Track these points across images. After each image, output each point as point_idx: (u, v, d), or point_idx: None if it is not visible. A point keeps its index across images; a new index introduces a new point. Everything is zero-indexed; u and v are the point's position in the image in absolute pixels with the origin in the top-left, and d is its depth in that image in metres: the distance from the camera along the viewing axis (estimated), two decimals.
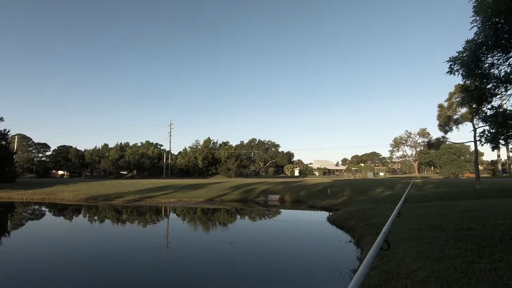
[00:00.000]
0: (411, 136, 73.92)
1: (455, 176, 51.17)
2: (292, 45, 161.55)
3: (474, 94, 6.84)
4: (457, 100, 20.34)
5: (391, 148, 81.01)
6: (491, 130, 6.78)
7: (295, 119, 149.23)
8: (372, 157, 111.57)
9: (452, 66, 6.41)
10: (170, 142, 66.36)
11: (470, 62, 6.09)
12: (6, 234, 11.32)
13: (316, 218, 13.76)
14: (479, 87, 6.83)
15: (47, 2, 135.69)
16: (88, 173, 74.74)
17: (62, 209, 18.57)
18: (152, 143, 77.65)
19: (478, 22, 5.95)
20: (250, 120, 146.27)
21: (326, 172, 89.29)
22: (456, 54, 6.35)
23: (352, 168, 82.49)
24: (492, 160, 60.93)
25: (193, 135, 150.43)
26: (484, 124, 7.65)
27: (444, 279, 3.68)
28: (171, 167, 65.58)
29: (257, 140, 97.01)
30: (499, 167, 55.03)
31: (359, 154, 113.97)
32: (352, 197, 18.67)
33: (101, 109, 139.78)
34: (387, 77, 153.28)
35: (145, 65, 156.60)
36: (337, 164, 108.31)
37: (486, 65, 6.38)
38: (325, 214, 14.49)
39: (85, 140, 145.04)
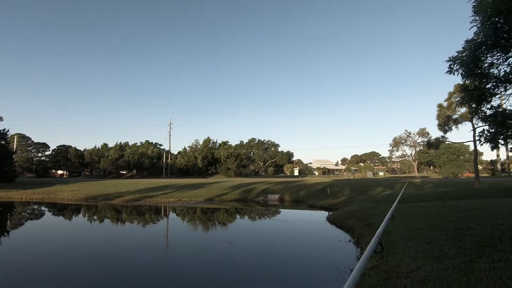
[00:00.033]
0: (411, 135, 74.07)
1: (454, 175, 51.25)
2: (292, 45, 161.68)
3: (473, 93, 6.85)
4: (457, 99, 20.32)
5: (391, 148, 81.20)
6: (491, 130, 6.79)
7: (294, 119, 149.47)
8: (372, 157, 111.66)
9: (452, 66, 6.42)
10: (169, 141, 66.40)
11: (469, 62, 6.10)
12: (6, 233, 11.30)
13: (315, 218, 13.77)
14: (479, 86, 6.84)
15: (46, 1, 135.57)
16: (87, 173, 74.69)
17: (61, 209, 18.55)
18: (152, 142, 77.67)
19: (477, 22, 5.95)
20: (250, 120, 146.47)
21: (325, 171, 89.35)
22: (456, 54, 6.35)
23: (352, 168, 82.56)
24: (491, 160, 61.04)
25: (192, 134, 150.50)
26: (484, 124, 7.66)
27: (444, 279, 3.69)
28: (170, 167, 65.56)
29: (257, 139, 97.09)
30: (499, 166, 55.12)
31: (359, 154, 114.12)
32: (351, 196, 18.68)
33: (100, 109, 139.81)
34: (386, 77, 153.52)
35: (145, 65, 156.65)
36: (336, 164, 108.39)
37: (486, 64, 6.39)
38: (325, 213, 14.50)
39: (85, 140, 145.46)
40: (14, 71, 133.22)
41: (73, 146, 74.50)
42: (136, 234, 10.91)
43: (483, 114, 7.19)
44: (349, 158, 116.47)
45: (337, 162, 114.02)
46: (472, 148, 35.14)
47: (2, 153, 33.55)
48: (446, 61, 6.46)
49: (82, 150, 74.01)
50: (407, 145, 76.68)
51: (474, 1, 5.94)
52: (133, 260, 7.29)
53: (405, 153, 79.70)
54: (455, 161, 52.85)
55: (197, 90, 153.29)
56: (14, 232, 11.68)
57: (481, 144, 7.09)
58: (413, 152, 75.78)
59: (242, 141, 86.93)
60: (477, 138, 7.30)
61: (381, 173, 74.63)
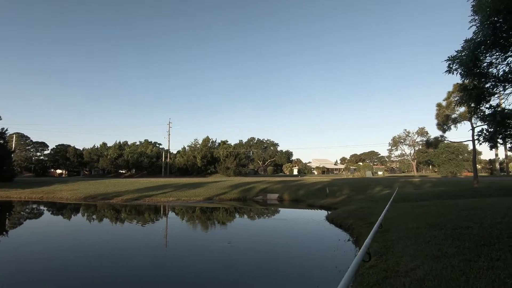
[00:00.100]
0: (410, 135, 74.15)
1: (453, 175, 51.37)
2: (292, 44, 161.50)
3: (472, 93, 6.86)
4: (456, 99, 20.31)
5: (390, 147, 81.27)
6: (489, 129, 6.80)
7: (294, 118, 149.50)
8: (371, 156, 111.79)
9: (451, 65, 6.42)
10: (168, 141, 66.38)
11: (468, 61, 6.11)
12: (5, 233, 11.28)
13: (315, 217, 13.79)
14: (478, 86, 6.84)
15: (46, 0, 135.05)
16: (86, 172, 74.58)
17: (60, 208, 18.53)
18: (151, 142, 77.52)
19: (476, 21, 5.95)
20: (249, 119, 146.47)
21: (324, 171, 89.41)
22: (455, 53, 6.36)
23: (351, 167, 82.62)
24: (490, 159, 61.21)
25: (192, 134, 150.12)
26: (482, 123, 7.66)
27: (442, 278, 3.70)
28: (170, 166, 65.50)
29: (256, 139, 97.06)
30: (497, 166, 55.25)
31: (358, 153, 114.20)
32: (350, 196, 18.71)
33: (100, 108, 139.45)
34: (386, 76, 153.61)
35: (144, 64, 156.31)
36: (336, 163, 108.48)
37: (485, 64, 6.39)
38: (324, 213, 14.51)
39: (84, 139, 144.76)
40: (13, 70, 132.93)
41: (72, 145, 74.49)
42: (135, 234, 10.91)
43: (482, 113, 7.20)
44: (348, 158, 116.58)
45: (336, 161, 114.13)
46: (471, 147, 35.20)
47: (0, 152, 33.49)
48: (445, 60, 6.47)
49: (81, 149, 73.86)
50: (406, 145, 76.81)
51: (473, 1, 5.94)
52: (132, 260, 7.29)
53: (404, 153, 79.86)
54: (454, 160, 52.98)
55: (197, 89, 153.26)
56: (13, 231, 11.66)
57: (480, 144, 7.11)
58: (412, 152, 75.91)
59: (241, 140, 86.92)
60: (476, 137, 7.32)
61: (380, 173, 74.75)
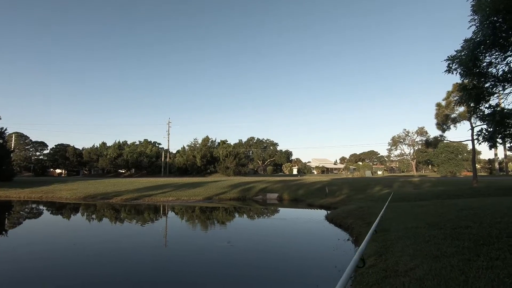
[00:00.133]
0: (409, 134, 74.06)
1: (452, 174, 51.42)
2: (291, 44, 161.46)
3: (472, 93, 6.86)
4: (455, 99, 20.29)
5: (389, 147, 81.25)
6: (489, 129, 6.81)
7: (293, 118, 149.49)
8: (370, 156, 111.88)
9: (450, 65, 6.43)
10: (168, 140, 66.43)
11: (468, 61, 6.11)
12: (4, 233, 11.27)
13: (314, 217, 13.80)
14: (477, 86, 6.84)
15: None
16: (86, 172, 74.51)
17: (60, 208, 18.52)
18: (151, 141, 77.46)
19: (476, 21, 5.96)
20: (249, 119, 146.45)
21: (324, 170, 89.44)
22: (455, 53, 6.36)
23: (350, 167, 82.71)
24: (489, 159, 61.31)
25: (191, 133, 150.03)
26: (482, 123, 7.66)
27: (442, 277, 3.70)
28: (169, 166, 65.47)
29: (256, 138, 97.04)
30: (496, 165, 55.29)
31: (358, 153, 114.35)
32: (350, 195, 18.72)
33: (99, 107, 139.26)
34: (385, 76, 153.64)
35: (144, 64, 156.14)
36: (335, 163, 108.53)
37: (484, 64, 6.40)
38: (323, 212, 14.52)
39: (83, 139, 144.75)
40: (12, 69, 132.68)
41: (72, 145, 74.39)
42: (134, 233, 10.90)
43: (481, 113, 7.20)
44: (347, 157, 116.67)
45: (336, 161, 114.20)
46: (470, 147, 35.24)
47: (0, 152, 33.42)
48: (444, 60, 6.48)
49: (81, 149, 73.80)
50: (405, 144, 76.76)
51: (473, 0, 5.94)
52: (132, 260, 7.29)
53: (403, 152, 79.80)
54: (453, 160, 53.03)
55: (196, 89, 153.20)
56: (13, 231, 11.65)
57: (479, 143, 7.12)
58: (412, 151, 75.94)
59: (241, 140, 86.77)
60: (475, 137, 7.34)
61: (379, 172, 74.81)
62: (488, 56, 6.30)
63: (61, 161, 71.92)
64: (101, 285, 5.65)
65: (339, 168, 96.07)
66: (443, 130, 22.83)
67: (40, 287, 5.62)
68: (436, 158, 55.86)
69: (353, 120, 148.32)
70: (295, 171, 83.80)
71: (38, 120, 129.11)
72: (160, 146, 76.69)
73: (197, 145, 66.16)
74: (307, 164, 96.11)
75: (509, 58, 6.21)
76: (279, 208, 17.95)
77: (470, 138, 20.11)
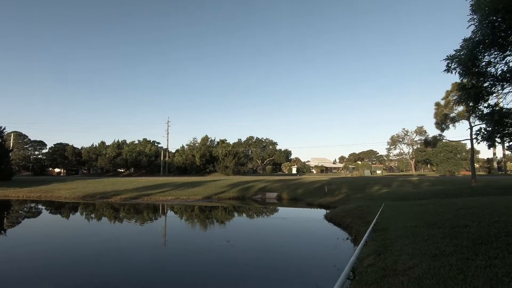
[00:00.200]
0: (408, 134, 74.21)
1: (451, 174, 51.51)
2: (291, 43, 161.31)
3: (471, 92, 6.87)
4: (454, 98, 20.39)
5: (388, 146, 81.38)
6: (488, 128, 6.82)
7: (293, 117, 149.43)
8: (369, 155, 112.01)
9: (450, 65, 6.43)
10: (167, 139, 66.44)
11: (467, 61, 6.12)
12: (3, 232, 11.25)
13: (313, 216, 13.82)
14: (476, 85, 6.85)
15: None
16: (85, 171, 74.39)
17: (59, 207, 18.49)
18: (150, 140, 77.35)
19: (475, 20, 5.96)
20: (248, 118, 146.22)
21: (323, 170, 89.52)
22: (454, 53, 6.37)
23: (350, 166, 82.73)
24: (488, 158, 61.40)
25: (190, 132, 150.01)
26: (481, 122, 7.67)
27: (440, 276, 3.71)
28: (168, 165, 65.43)
29: (255, 138, 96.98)
30: (495, 165, 55.40)
31: (357, 152, 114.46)
32: (349, 194, 18.75)
33: (98, 107, 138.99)
34: (385, 75, 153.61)
35: (143, 62, 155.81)
36: (334, 162, 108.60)
37: (483, 63, 6.41)
38: (323, 211, 14.54)
39: (82, 138, 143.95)
40: (12, 68, 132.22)
41: (71, 144, 74.19)
42: (134, 233, 10.89)
43: (480, 112, 7.21)
44: (347, 156, 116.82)
45: (335, 160, 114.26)
46: (469, 146, 35.34)
47: None
48: (444, 59, 6.48)
49: (80, 148, 73.67)
50: (404, 143, 76.90)
51: (472, 0, 5.95)
52: (131, 259, 7.29)
53: (402, 151, 79.94)
54: (452, 159, 53.11)
55: (196, 87, 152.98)
56: (12, 230, 11.63)
57: (478, 143, 7.12)
58: (411, 150, 76.08)
59: (240, 139, 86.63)
60: (474, 136, 7.33)
61: (378, 171, 74.87)
62: (487, 55, 6.31)
63: (60, 160, 71.76)
64: (100, 285, 5.64)
65: (338, 167, 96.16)
66: (442, 130, 22.86)
67: (39, 287, 5.61)
68: (435, 157, 55.94)
69: (353, 119, 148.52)
70: (294, 170, 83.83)
71: (37, 119, 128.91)
72: (159, 145, 76.64)
73: (196, 144, 66.08)
74: (306, 163, 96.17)
75: (508, 57, 6.22)
76: (278, 207, 17.96)
77: (469, 138, 20.16)
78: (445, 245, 5.07)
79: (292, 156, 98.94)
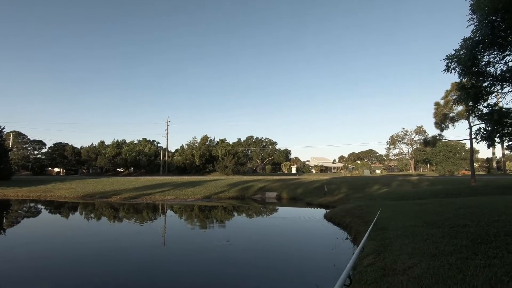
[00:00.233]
0: (408, 133, 74.23)
1: (450, 173, 51.58)
2: (291, 42, 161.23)
3: (470, 92, 6.88)
4: (454, 98, 20.41)
5: (388, 146, 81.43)
6: (487, 128, 6.83)
7: (292, 117, 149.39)
8: (369, 155, 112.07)
9: (449, 64, 6.44)
10: (167, 139, 66.38)
11: (466, 60, 6.12)
12: (2, 232, 11.24)
13: (313, 215, 13.83)
14: (476, 85, 6.86)
15: None
16: (84, 171, 74.31)
17: (58, 207, 18.48)
18: (149, 140, 77.28)
19: (475, 20, 5.97)
20: (248, 118, 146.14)
21: (323, 169, 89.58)
22: (453, 52, 6.37)
23: (349, 166, 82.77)
24: (487, 158, 61.47)
25: (190, 132, 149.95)
26: (480, 122, 7.69)
27: (440, 275, 3.72)
28: (168, 165, 65.39)
29: (254, 137, 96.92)
30: (494, 164, 55.48)
31: (356, 152, 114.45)
32: (348, 194, 18.77)
33: (98, 106, 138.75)
34: (385, 75, 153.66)
35: (143, 62, 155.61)
36: (334, 162, 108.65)
37: (483, 63, 6.42)
38: (322, 211, 14.55)
39: (81, 137, 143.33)
40: (11, 68, 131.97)
41: (70, 143, 74.05)
42: (133, 232, 10.89)
43: (479, 112, 7.22)
44: (346, 156, 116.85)
45: (335, 160, 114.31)
46: (468, 146, 35.36)
47: None
48: (443, 59, 6.49)
49: (79, 147, 73.56)
50: (404, 143, 76.94)
51: (472, 0, 5.95)
52: (130, 259, 7.29)
53: (402, 151, 79.98)
54: (451, 159, 53.19)
55: (196, 87, 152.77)
56: (11, 230, 11.61)
57: (477, 142, 7.13)
58: (410, 150, 76.14)
59: (240, 138, 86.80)
60: (473, 136, 7.34)
61: (378, 171, 74.94)
62: (487, 55, 6.32)
63: (59, 160, 71.67)
64: (100, 285, 5.64)
65: (337, 167, 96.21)
66: (442, 129, 22.88)
67: (39, 286, 5.61)
68: (434, 157, 56.03)
69: (352, 119, 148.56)
70: (294, 170, 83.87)
71: (37, 118, 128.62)
72: (159, 145, 76.60)
73: (196, 144, 66.07)
74: (306, 163, 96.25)
75: (507, 57, 6.23)
76: (278, 207, 17.97)
77: (468, 137, 20.18)
78: (445, 245, 5.08)
79: (292, 156, 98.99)
